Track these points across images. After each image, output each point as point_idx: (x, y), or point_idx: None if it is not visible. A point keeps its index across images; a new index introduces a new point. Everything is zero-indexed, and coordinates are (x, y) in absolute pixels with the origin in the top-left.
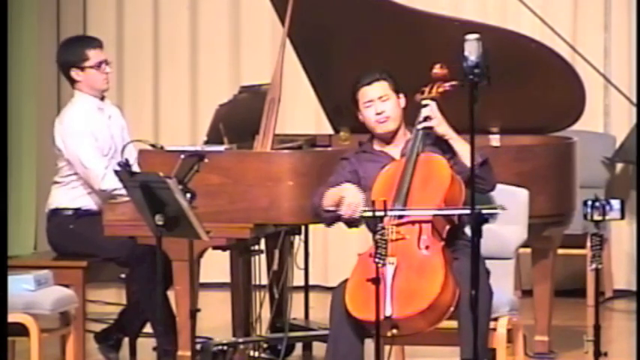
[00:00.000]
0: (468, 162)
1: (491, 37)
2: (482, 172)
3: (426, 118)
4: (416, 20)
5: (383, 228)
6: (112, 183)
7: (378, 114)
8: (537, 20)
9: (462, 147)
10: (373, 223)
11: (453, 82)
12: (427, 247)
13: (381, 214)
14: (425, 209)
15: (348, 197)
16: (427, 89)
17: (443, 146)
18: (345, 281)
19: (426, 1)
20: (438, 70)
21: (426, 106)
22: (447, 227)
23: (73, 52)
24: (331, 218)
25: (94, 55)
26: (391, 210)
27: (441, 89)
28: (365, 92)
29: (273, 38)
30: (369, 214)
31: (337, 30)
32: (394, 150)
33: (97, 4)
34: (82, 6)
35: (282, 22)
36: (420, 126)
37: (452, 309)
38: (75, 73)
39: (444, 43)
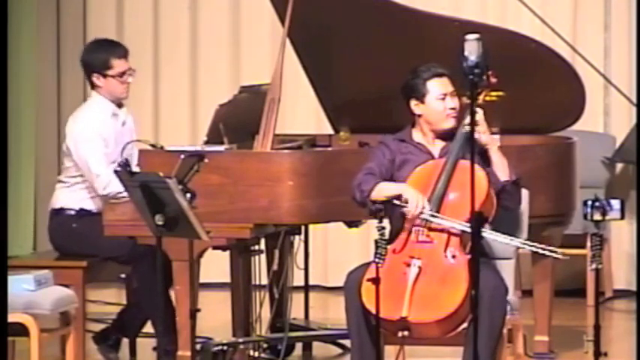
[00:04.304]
0: (501, 176)
1: (491, 37)
2: (512, 189)
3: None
4: (416, 20)
5: (383, 228)
6: (116, 187)
7: (452, 108)
8: (537, 20)
9: (499, 160)
10: (399, 221)
11: (500, 93)
12: (454, 256)
13: (442, 221)
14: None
15: (414, 198)
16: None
17: (482, 156)
18: (359, 268)
19: (426, 1)
20: (490, 77)
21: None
22: None
23: (97, 58)
24: (377, 210)
25: (118, 65)
26: (439, 217)
27: (488, 98)
28: (438, 84)
29: (273, 38)
30: (434, 219)
31: (337, 30)
32: (434, 147)
33: (97, 4)
34: (82, 6)
35: (282, 22)
36: (463, 131)
37: (466, 322)
38: (96, 78)
39: (444, 43)
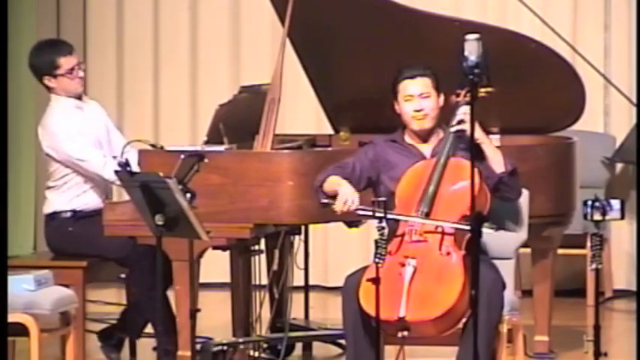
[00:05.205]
0: (497, 169)
1: (491, 37)
2: (510, 180)
3: (460, 122)
4: (416, 20)
5: (383, 228)
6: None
7: (417, 111)
8: (537, 20)
9: (493, 153)
10: (394, 223)
11: (489, 89)
12: (448, 254)
13: (379, 215)
14: (417, 219)
15: (343, 193)
16: (463, 92)
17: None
18: (357, 272)
19: (426, 1)
20: None
21: (461, 108)
22: (469, 236)
23: (43, 60)
24: (322, 203)
25: (65, 62)
26: (388, 214)
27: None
28: (406, 86)
29: (273, 38)
30: (364, 212)
31: (337, 30)
32: (425, 147)
33: (97, 4)
34: (82, 6)
35: (282, 22)
36: (453, 129)
37: (465, 319)
38: (47, 80)
39: (444, 43)
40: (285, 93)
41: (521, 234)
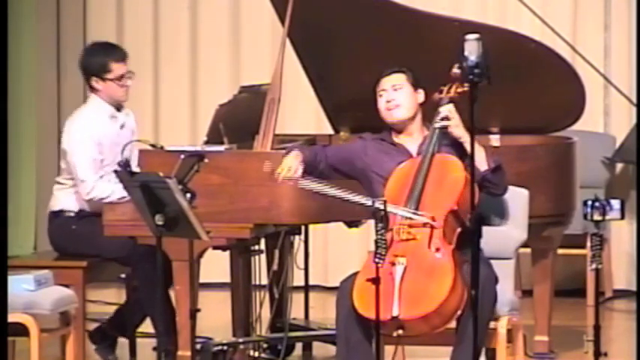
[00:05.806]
0: (481, 166)
1: (491, 37)
2: (494, 177)
3: (443, 119)
4: (416, 20)
5: (383, 228)
6: (99, 192)
7: (388, 101)
8: (537, 20)
9: (476, 151)
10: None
11: (465, 89)
12: (438, 249)
13: (319, 187)
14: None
15: (286, 161)
16: (445, 89)
17: (458, 148)
18: (351, 276)
19: (426, 1)
20: (457, 70)
21: (444, 105)
22: (458, 230)
23: (96, 62)
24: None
25: (116, 68)
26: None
27: (459, 90)
28: (381, 82)
29: (273, 38)
30: (307, 183)
31: (337, 30)
32: (412, 145)
33: (97, 4)
34: (82, 6)
35: (282, 22)
36: (436, 125)
37: (458, 313)
38: (95, 82)
39: (444, 43)
40: (285, 93)
41: (521, 234)
